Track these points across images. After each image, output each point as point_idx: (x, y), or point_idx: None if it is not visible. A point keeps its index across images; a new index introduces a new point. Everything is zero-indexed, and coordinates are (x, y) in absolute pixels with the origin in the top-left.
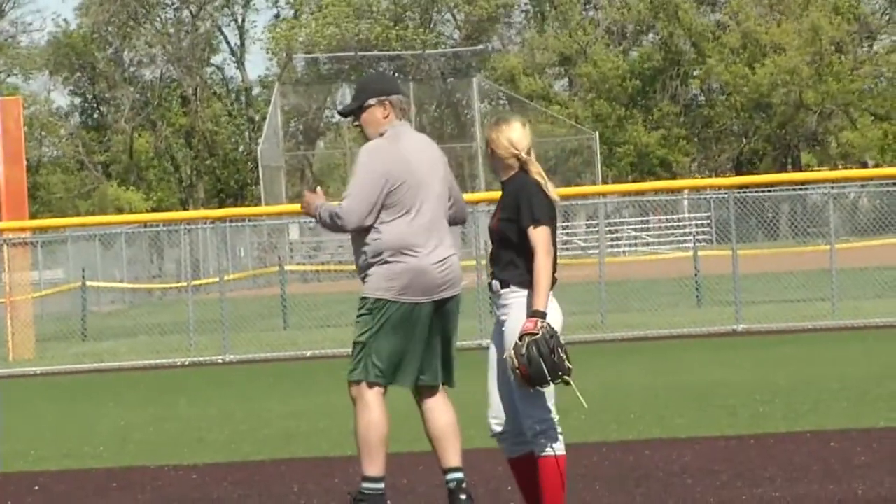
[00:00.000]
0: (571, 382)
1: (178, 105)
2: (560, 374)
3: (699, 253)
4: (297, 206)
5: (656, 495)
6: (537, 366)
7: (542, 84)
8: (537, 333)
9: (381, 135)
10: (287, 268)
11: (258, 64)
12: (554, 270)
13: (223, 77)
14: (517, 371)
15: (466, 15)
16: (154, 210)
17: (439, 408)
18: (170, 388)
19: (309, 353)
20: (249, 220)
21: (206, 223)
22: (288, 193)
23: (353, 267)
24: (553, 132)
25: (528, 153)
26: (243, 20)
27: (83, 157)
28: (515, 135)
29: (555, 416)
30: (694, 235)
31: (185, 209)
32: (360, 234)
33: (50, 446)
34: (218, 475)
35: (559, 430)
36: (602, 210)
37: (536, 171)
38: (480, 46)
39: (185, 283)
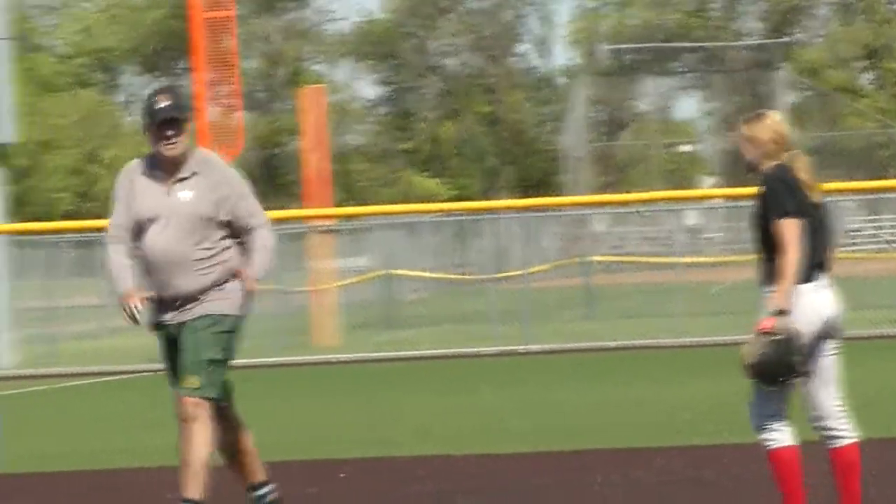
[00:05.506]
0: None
1: (481, 94)
2: (795, 376)
3: None
4: (601, 197)
5: None
6: (770, 366)
7: (846, 77)
8: (775, 333)
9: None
10: (591, 258)
11: (561, 54)
12: (818, 264)
13: (526, 66)
14: (750, 368)
15: (771, 6)
16: (457, 199)
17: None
18: (472, 377)
19: (613, 344)
20: (552, 210)
21: (509, 213)
22: (591, 184)
23: (658, 259)
24: (859, 125)
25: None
26: (546, 10)
27: (387, 144)
28: (783, 127)
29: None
30: None
31: (487, 198)
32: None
33: (354, 434)
34: (521, 465)
35: (780, 425)
36: None
37: (802, 162)
38: (785, 38)
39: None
